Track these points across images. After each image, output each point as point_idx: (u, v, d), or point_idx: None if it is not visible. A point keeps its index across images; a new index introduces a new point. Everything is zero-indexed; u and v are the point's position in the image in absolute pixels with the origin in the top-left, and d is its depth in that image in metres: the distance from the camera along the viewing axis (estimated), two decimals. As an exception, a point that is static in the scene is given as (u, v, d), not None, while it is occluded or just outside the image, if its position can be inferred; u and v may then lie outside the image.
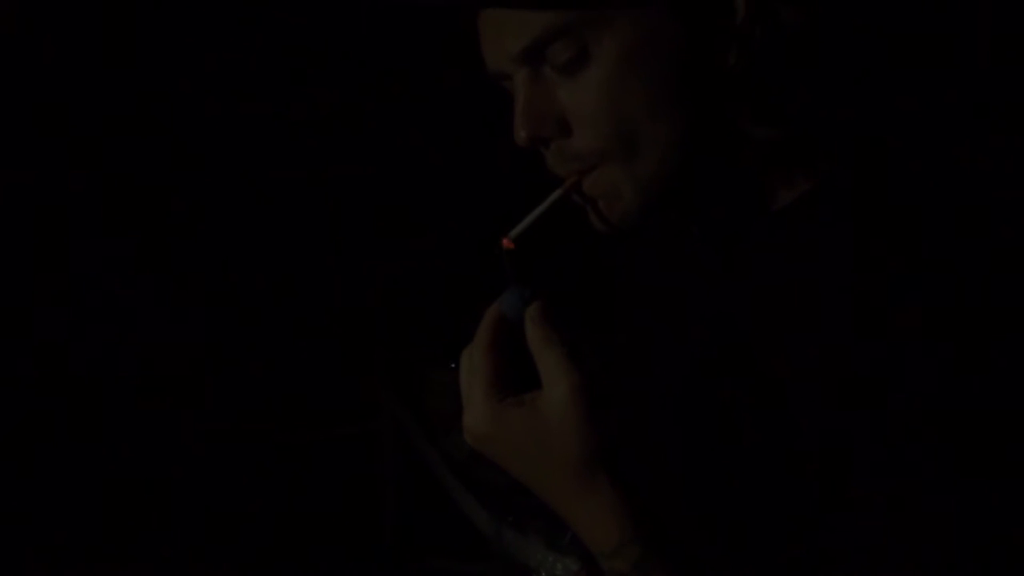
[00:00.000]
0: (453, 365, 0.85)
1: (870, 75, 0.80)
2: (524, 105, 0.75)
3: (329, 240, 2.76)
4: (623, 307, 0.96)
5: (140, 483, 2.56)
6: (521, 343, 0.74)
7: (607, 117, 0.73)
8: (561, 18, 0.71)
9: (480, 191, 2.35)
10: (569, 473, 0.71)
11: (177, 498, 2.59)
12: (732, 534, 0.77)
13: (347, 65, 2.60)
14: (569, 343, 0.73)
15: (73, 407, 2.54)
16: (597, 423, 0.71)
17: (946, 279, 0.70)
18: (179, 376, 2.64)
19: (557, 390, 0.71)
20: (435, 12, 0.79)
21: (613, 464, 0.71)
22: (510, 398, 0.73)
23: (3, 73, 2.36)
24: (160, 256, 2.62)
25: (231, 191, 2.67)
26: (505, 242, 0.77)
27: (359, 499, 2.81)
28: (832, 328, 0.72)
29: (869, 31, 0.80)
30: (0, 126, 2.39)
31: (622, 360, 0.89)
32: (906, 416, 0.67)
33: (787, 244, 0.78)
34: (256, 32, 2.54)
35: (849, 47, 0.78)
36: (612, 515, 0.71)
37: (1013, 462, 0.67)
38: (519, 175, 0.84)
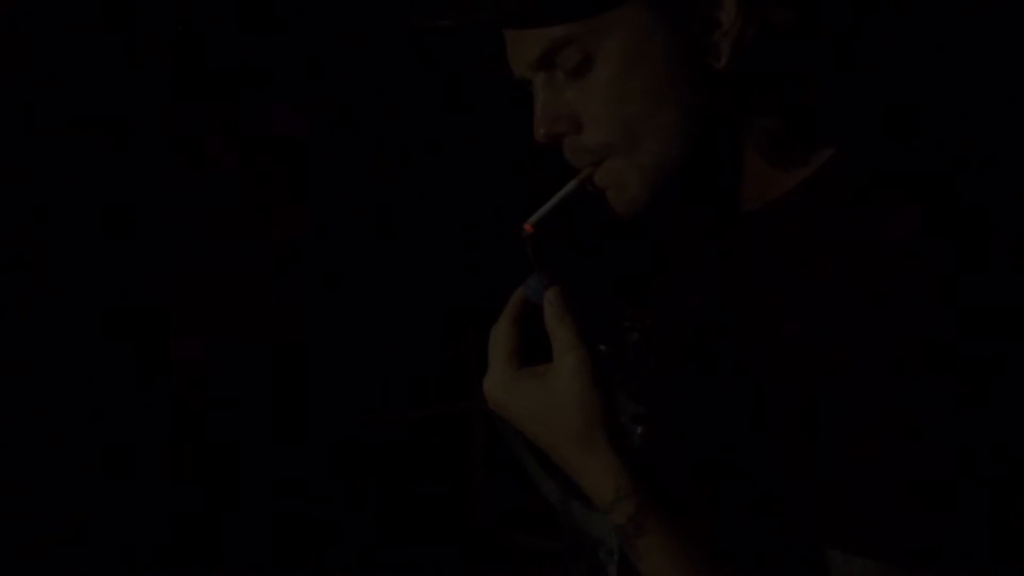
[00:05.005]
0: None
1: (862, 66, 0.86)
2: (541, 106, 0.84)
3: (421, 225, 2.85)
4: (636, 285, 1.04)
5: (237, 463, 2.68)
6: (541, 323, 0.84)
7: (611, 114, 0.81)
8: (566, 29, 0.80)
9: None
10: (572, 434, 0.80)
11: (275, 478, 2.71)
12: (728, 489, 0.85)
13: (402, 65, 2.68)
14: (580, 321, 0.81)
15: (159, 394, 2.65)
16: (598, 391, 0.79)
17: (935, 253, 0.75)
18: (277, 360, 2.76)
19: (565, 362, 0.80)
20: (456, 33, 0.87)
21: (611, 427, 0.80)
22: (526, 368, 0.82)
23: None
24: (260, 239, 2.72)
25: (325, 175, 2.77)
26: (527, 227, 0.86)
27: (453, 479, 2.92)
28: (823, 304, 0.78)
29: (859, 25, 0.85)
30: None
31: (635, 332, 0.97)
32: (888, 380, 0.72)
33: (788, 227, 0.84)
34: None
35: (838, 40, 0.83)
36: (609, 473, 0.80)
37: (986, 422, 0.72)
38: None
